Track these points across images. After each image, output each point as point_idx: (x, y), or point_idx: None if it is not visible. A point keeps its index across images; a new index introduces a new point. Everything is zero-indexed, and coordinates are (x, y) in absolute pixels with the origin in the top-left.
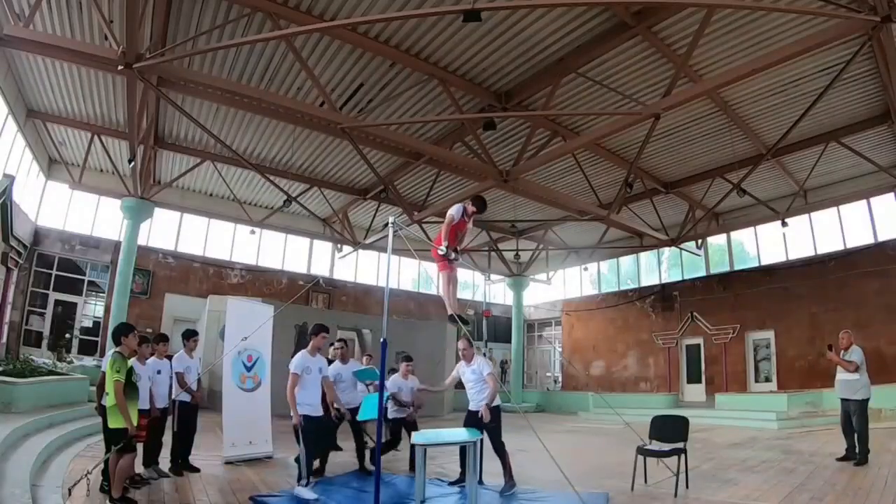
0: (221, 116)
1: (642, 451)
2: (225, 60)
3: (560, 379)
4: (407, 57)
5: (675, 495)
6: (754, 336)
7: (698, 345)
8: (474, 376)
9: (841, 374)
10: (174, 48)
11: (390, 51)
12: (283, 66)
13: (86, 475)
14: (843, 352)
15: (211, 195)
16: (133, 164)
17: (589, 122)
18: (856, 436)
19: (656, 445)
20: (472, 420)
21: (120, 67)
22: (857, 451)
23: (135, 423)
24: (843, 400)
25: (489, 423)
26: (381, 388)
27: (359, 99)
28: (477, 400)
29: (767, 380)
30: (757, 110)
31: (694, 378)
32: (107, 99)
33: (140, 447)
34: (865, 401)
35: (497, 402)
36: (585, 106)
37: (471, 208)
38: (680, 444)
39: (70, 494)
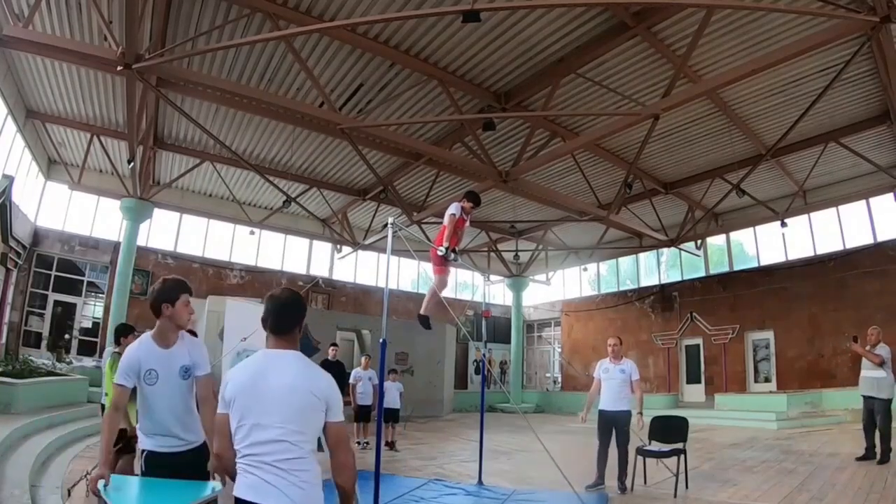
0: (221, 117)
1: (642, 452)
2: (224, 61)
3: (559, 379)
4: (406, 57)
5: (675, 496)
6: (754, 336)
7: (698, 345)
8: (623, 375)
9: (867, 371)
10: (173, 49)
11: (390, 51)
12: (283, 67)
13: (85, 476)
14: (869, 347)
15: (210, 196)
16: (132, 164)
17: (588, 123)
18: (878, 435)
19: (656, 446)
20: (607, 420)
21: (119, 68)
22: (876, 450)
23: (134, 424)
24: (866, 398)
25: (623, 427)
26: (381, 387)
27: (358, 99)
28: (614, 400)
29: (767, 380)
30: (756, 110)
31: (693, 378)
32: (106, 99)
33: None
34: (890, 400)
35: (628, 406)
36: (585, 106)
37: (467, 205)
38: (679, 445)
39: (69, 495)
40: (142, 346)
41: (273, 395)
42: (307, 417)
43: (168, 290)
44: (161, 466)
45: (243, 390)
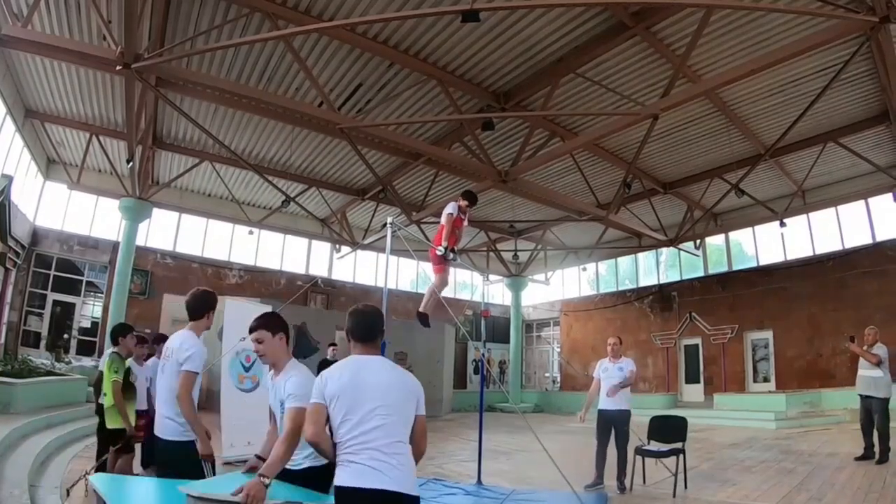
0: (220, 117)
1: (641, 452)
2: (223, 60)
3: (559, 379)
4: (405, 57)
5: (674, 495)
6: (753, 336)
7: (697, 345)
8: (621, 373)
9: (864, 371)
10: (172, 48)
11: (389, 51)
12: (282, 67)
13: (84, 476)
14: (866, 347)
15: (209, 195)
16: (131, 164)
17: (587, 123)
18: (876, 435)
19: (655, 446)
20: (606, 419)
21: (118, 68)
22: (874, 449)
23: (133, 424)
24: (864, 397)
25: (622, 426)
26: None
27: (357, 99)
28: (614, 399)
29: (766, 380)
30: (755, 110)
31: (692, 378)
32: (105, 99)
33: (138, 447)
34: (888, 399)
35: (627, 406)
36: (584, 106)
37: (464, 204)
38: (678, 445)
39: (68, 495)
40: (198, 341)
41: (376, 392)
42: (404, 409)
43: (214, 300)
44: None
45: (346, 389)
